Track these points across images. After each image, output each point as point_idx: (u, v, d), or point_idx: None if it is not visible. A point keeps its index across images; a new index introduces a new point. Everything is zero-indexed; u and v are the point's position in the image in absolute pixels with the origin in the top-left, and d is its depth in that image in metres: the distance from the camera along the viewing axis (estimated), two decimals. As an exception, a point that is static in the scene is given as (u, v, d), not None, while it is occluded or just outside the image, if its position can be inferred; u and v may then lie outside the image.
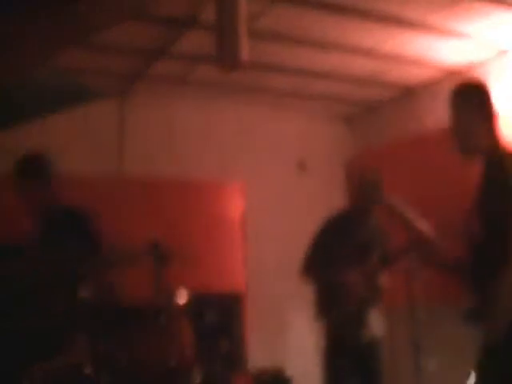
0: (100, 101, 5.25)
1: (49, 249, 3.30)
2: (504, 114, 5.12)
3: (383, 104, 6.57)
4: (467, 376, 4.72)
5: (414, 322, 4.67)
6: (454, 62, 5.44)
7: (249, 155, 6.48)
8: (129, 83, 5.83)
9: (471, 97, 2.79)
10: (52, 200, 3.68)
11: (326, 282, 4.33)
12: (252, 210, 6.36)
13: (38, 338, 3.02)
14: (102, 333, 3.51)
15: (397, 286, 4.25)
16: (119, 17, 3.99)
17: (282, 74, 5.80)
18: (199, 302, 4.26)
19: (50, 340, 3.03)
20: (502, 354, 2.27)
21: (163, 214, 5.81)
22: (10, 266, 3.18)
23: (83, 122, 5.76)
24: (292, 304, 6.07)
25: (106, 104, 5.74)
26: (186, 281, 4.06)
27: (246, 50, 3.61)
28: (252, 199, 6.36)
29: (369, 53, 5.32)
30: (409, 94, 6.17)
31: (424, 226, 3.63)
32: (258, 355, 5.74)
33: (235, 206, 6.42)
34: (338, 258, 4.29)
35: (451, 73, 5.59)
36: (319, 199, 6.41)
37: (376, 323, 4.33)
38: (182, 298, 3.91)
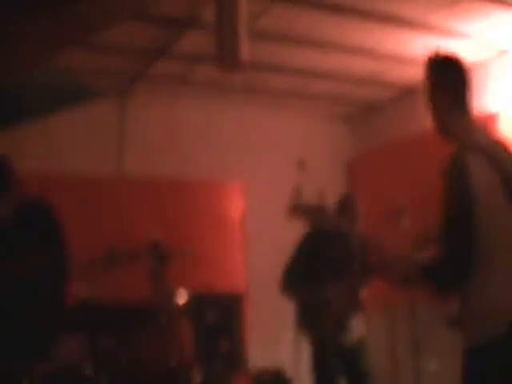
0: (100, 101, 5.24)
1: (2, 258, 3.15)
2: (504, 113, 5.14)
3: (383, 104, 6.57)
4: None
5: (414, 321, 4.68)
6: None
7: (249, 155, 6.48)
8: (129, 83, 5.83)
9: (449, 72, 2.56)
10: (14, 201, 3.43)
11: (305, 297, 4.40)
12: (252, 210, 6.36)
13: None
14: (102, 333, 3.51)
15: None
16: (119, 17, 3.99)
17: (282, 73, 5.80)
18: (199, 301, 4.27)
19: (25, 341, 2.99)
20: (498, 356, 2.25)
21: (163, 214, 5.80)
22: None
23: (83, 122, 5.76)
24: (292, 304, 6.06)
25: (106, 104, 5.74)
26: (186, 281, 4.06)
27: (245, 50, 3.61)
28: (252, 199, 6.36)
29: (369, 53, 5.32)
30: (409, 94, 6.17)
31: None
32: (258, 355, 5.74)
33: (235, 205, 6.42)
34: (317, 274, 4.36)
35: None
36: (319, 199, 6.40)
37: (358, 328, 4.39)
38: (181, 297, 3.91)
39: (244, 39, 3.61)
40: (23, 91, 4.21)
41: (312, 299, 4.33)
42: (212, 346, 5.01)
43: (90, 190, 5.63)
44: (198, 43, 4.93)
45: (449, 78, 2.56)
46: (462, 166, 2.33)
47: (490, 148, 2.41)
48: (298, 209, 3.56)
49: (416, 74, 5.75)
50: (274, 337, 6.07)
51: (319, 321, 4.30)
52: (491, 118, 5.10)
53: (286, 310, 4.90)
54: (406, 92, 6.19)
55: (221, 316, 5.25)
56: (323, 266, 4.37)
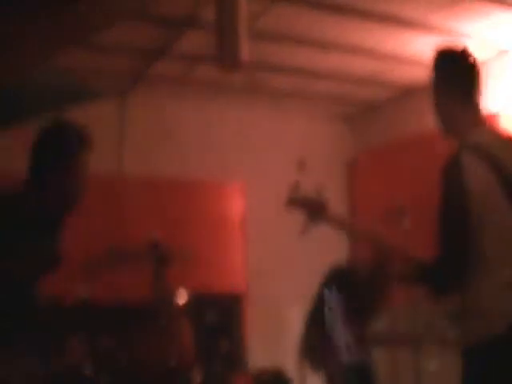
0: (100, 101, 5.24)
1: None
2: (504, 113, 5.14)
3: (383, 104, 6.56)
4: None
5: (414, 321, 4.68)
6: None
7: (249, 155, 6.48)
8: (129, 83, 5.83)
9: (455, 67, 2.54)
10: None
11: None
12: (252, 210, 6.36)
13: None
14: (102, 333, 3.51)
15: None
16: (119, 17, 3.99)
17: (282, 73, 5.80)
18: (199, 301, 4.26)
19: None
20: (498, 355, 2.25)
21: (163, 214, 5.80)
22: None
23: (83, 122, 5.75)
24: (292, 304, 6.07)
25: (106, 104, 5.74)
26: (186, 281, 4.06)
27: (245, 50, 3.62)
28: (252, 199, 6.36)
29: (369, 53, 5.32)
30: (409, 94, 6.17)
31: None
32: (258, 355, 5.74)
33: (235, 205, 6.42)
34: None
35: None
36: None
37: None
38: (182, 297, 3.91)
39: (244, 39, 3.61)
40: (23, 91, 4.21)
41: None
42: (212, 346, 5.01)
43: (90, 190, 5.62)
44: (198, 43, 4.92)
45: (455, 72, 2.51)
46: (458, 166, 2.31)
47: (492, 147, 2.39)
48: (296, 201, 3.55)
49: (416, 74, 5.78)
50: (274, 337, 6.07)
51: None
52: (491, 118, 5.10)
53: (286, 310, 4.90)
54: (406, 92, 6.19)
55: (221, 316, 5.26)
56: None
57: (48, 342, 3.07)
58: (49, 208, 2.92)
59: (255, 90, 6.16)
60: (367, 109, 6.77)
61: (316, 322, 4.27)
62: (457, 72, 2.52)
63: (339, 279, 4.29)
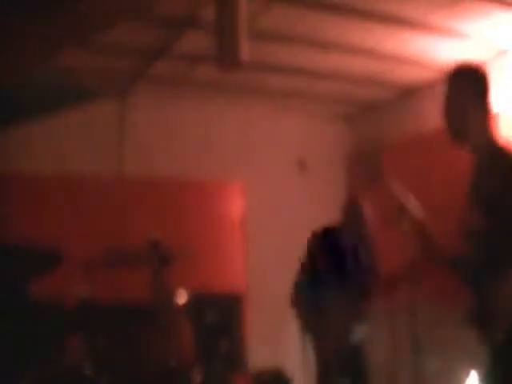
0: (100, 101, 5.25)
1: None
2: (504, 113, 5.14)
3: (383, 104, 6.56)
4: (467, 376, 4.73)
5: (414, 321, 4.67)
6: (454, 61, 5.44)
7: (249, 155, 6.48)
8: (129, 83, 5.83)
9: (469, 79, 2.74)
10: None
11: (314, 308, 4.44)
12: (252, 210, 6.36)
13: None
14: (102, 333, 3.51)
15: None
16: (119, 17, 3.99)
17: (282, 73, 5.80)
18: (199, 301, 4.27)
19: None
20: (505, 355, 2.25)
21: (163, 214, 5.80)
22: None
23: (83, 122, 5.76)
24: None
25: (106, 104, 5.74)
26: (185, 281, 4.06)
27: (245, 50, 3.62)
28: (252, 199, 6.36)
29: (369, 53, 5.32)
30: (409, 94, 6.17)
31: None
32: (258, 355, 5.74)
33: (235, 206, 6.42)
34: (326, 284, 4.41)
35: (451, 73, 5.59)
36: (319, 199, 6.41)
37: (360, 331, 4.42)
38: (181, 297, 3.91)
39: (244, 39, 3.61)
40: (23, 91, 4.22)
41: (318, 309, 4.36)
42: (212, 346, 5.01)
43: (90, 190, 5.63)
44: (197, 43, 4.92)
45: (470, 90, 2.71)
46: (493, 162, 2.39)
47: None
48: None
49: (416, 74, 5.79)
50: (274, 337, 6.07)
51: (325, 330, 4.31)
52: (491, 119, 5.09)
53: (285, 310, 4.90)
54: (406, 92, 6.19)
55: (221, 316, 5.26)
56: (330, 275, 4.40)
57: (48, 341, 3.08)
58: None
59: (255, 90, 6.16)
60: (367, 109, 6.77)
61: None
62: (475, 88, 2.72)
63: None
